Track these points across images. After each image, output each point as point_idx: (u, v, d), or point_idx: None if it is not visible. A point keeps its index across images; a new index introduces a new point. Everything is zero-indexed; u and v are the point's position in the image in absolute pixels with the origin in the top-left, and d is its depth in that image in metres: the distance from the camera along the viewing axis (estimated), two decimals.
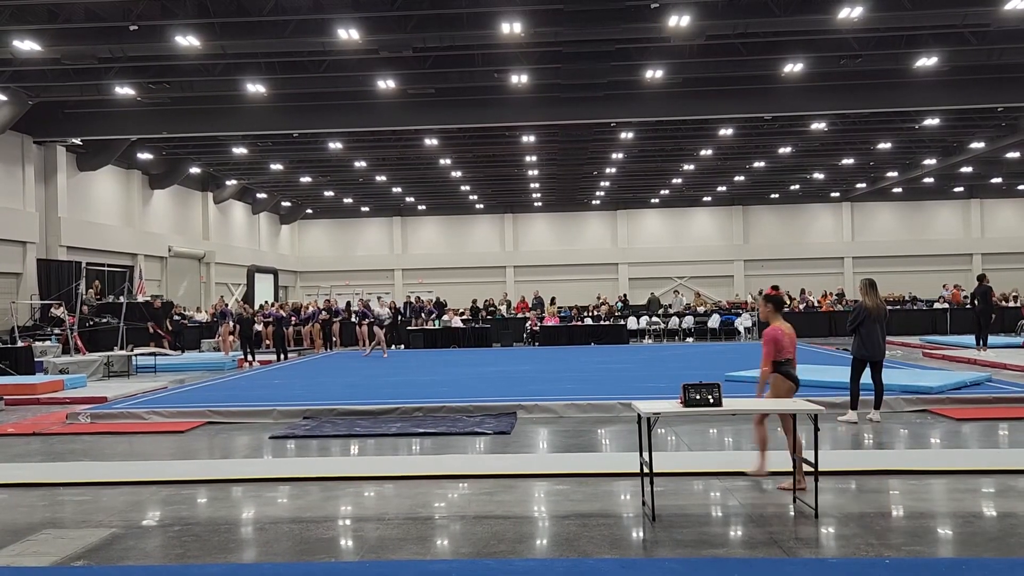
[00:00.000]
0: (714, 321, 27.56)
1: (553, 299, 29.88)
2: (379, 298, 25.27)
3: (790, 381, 6.52)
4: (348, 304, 27.39)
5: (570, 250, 42.10)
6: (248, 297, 30.64)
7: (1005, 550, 5.01)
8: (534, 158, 29.39)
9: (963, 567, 4.69)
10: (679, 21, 15.11)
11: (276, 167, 30.12)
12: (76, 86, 19.48)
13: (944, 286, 31.30)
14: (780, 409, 6.32)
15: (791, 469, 6.16)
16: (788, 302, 27.68)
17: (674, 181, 35.57)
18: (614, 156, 29.29)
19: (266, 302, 27.98)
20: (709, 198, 40.95)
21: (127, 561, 5.16)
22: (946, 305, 28.87)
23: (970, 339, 19.71)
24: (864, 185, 37.74)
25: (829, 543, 5.24)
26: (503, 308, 30.18)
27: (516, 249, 42.62)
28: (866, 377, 9.72)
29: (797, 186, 37.97)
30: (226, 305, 24.98)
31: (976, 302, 17.77)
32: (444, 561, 5.05)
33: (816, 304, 29.60)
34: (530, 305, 29.48)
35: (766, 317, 6.77)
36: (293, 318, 24.64)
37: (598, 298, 32.03)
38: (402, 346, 25.18)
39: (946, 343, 20.91)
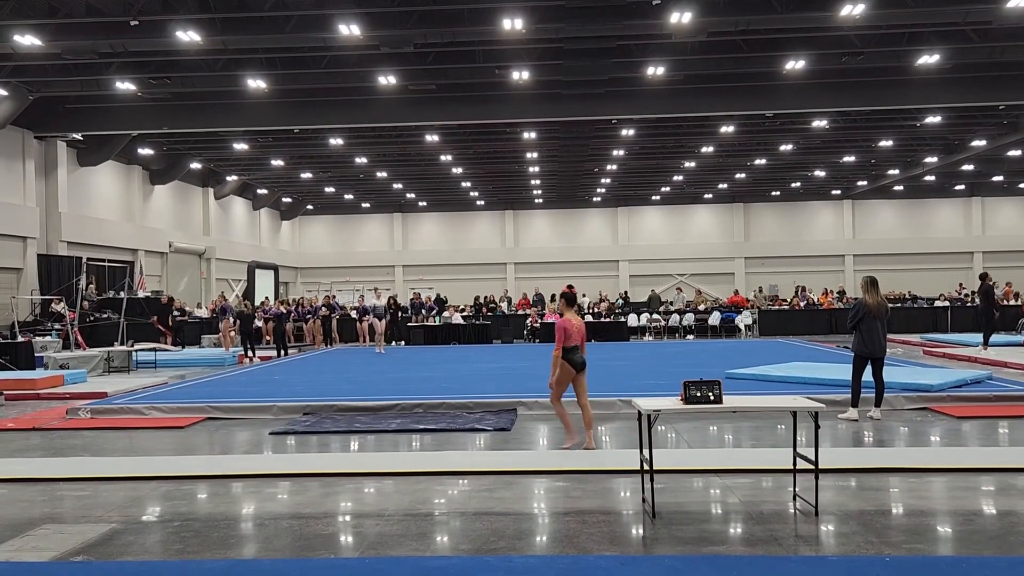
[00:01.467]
0: (714, 318, 27.54)
1: (554, 296, 29.86)
2: (375, 290, 25.22)
3: (571, 366, 7.91)
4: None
5: (571, 247, 42.07)
6: (249, 293, 30.63)
7: (1005, 548, 5.01)
8: (535, 155, 29.37)
9: (963, 565, 4.68)
10: (680, 18, 15.09)
11: (277, 163, 30.11)
12: (77, 81, 19.47)
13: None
14: (782, 407, 6.32)
15: (791, 467, 6.15)
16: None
17: (675, 178, 35.55)
18: (615, 153, 29.28)
19: (266, 298, 27.99)
20: (710, 195, 40.92)
21: (126, 556, 5.15)
22: (947, 304, 28.84)
23: (970, 337, 19.74)
24: (865, 183, 37.71)
25: (829, 541, 5.24)
26: (504, 305, 30.19)
27: (517, 246, 42.60)
28: (867, 375, 9.71)
29: (798, 184, 37.94)
30: (226, 301, 24.99)
31: (978, 301, 17.76)
32: (444, 557, 5.04)
33: (816, 302, 29.60)
34: (531, 302, 29.49)
35: (561, 310, 8.31)
36: (292, 314, 24.65)
37: (584, 296, 31.81)
38: (402, 342, 25.19)
39: (947, 341, 20.90)
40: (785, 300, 31.35)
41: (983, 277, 17.66)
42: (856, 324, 9.60)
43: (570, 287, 8.58)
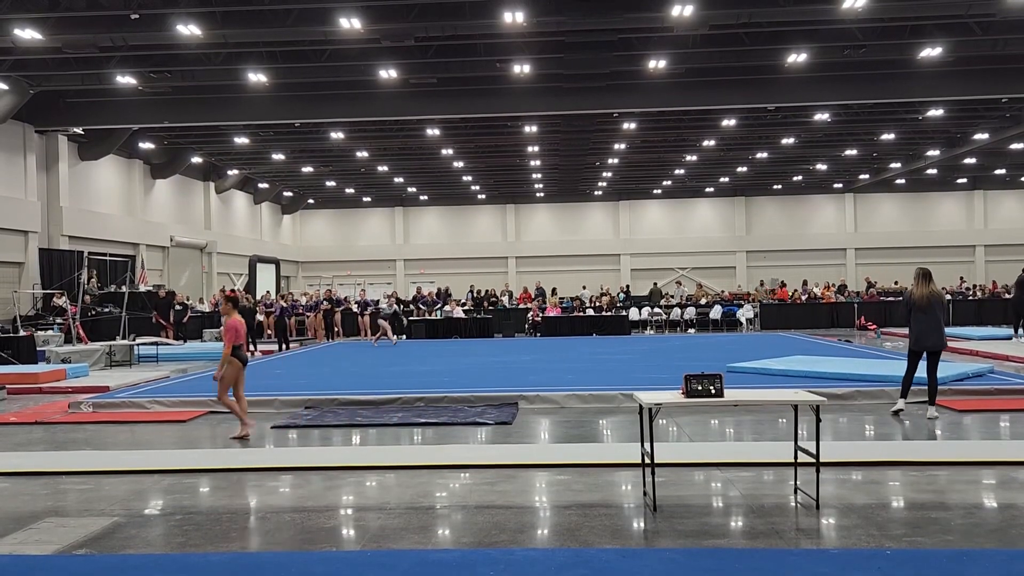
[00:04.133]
0: (716, 312, 27.55)
1: (554, 289, 29.89)
2: (388, 296, 25.48)
3: (239, 361, 8.84)
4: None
5: (572, 241, 42.05)
6: (250, 287, 30.65)
7: (1006, 541, 5.01)
8: (536, 148, 29.33)
9: (964, 558, 4.69)
10: (682, 11, 15.03)
11: (278, 157, 30.09)
12: (77, 75, 19.44)
13: None
14: (783, 400, 6.33)
15: (792, 460, 6.15)
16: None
17: (676, 172, 35.49)
18: (616, 147, 29.22)
19: (267, 292, 28.00)
20: (711, 189, 40.85)
21: (129, 550, 5.17)
22: (948, 297, 28.81)
23: (971, 330, 19.70)
24: (867, 176, 37.64)
25: (830, 534, 5.25)
26: (505, 299, 30.19)
27: (518, 240, 42.58)
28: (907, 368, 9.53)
29: (800, 177, 37.87)
30: None
31: (1013, 291, 17.83)
32: (445, 550, 5.06)
33: (818, 295, 29.59)
34: (532, 296, 29.49)
35: (226, 313, 9.05)
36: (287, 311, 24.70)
37: (585, 289, 31.73)
38: (403, 336, 25.22)
39: (949, 335, 20.86)
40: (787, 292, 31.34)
41: None
42: (908, 317, 9.41)
43: (233, 290, 9.85)
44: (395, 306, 23.74)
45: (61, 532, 5.51)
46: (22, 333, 17.43)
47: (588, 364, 14.78)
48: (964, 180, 39.65)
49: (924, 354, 9.33)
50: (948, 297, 28.65)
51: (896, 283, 33.84)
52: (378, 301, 24.27)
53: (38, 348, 17.16)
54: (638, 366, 14.51)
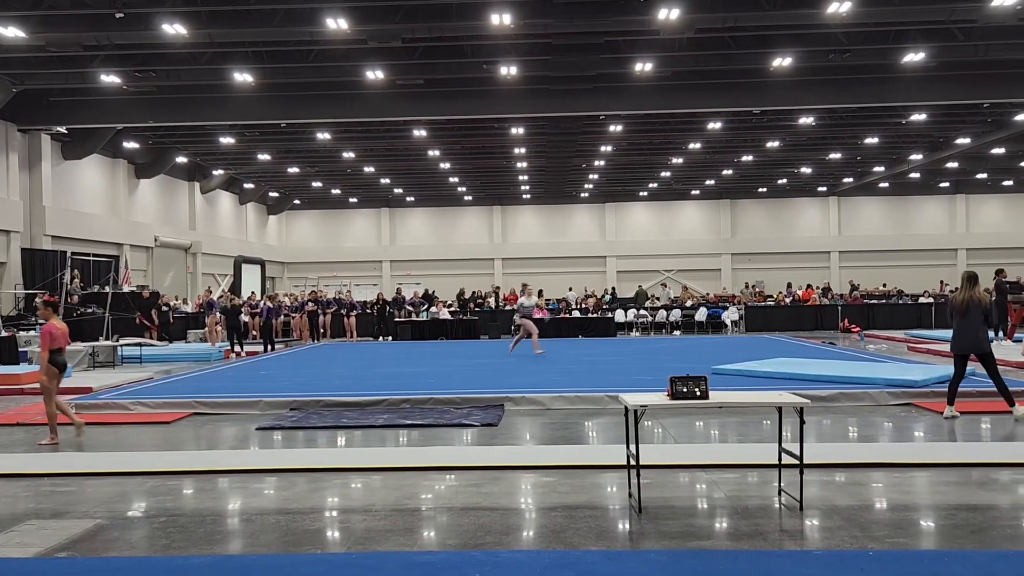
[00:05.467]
0: (701, 314, 27.65)
1: (540, 291, 29.85)
2: (525, 286, 23.40)
3: (55, 366, 8.91)
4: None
5: (558, 242, 42.13)
6: (235, 288, 30.50)
7: (987, 542, 5.06)
8: (523, 150, 29.37)
9: (946, 559, 4.73)
10: (668, 14, 15.11)
11: (263, 157, 29.97)
12: (61, 74, 19.29)
13: None
14: (767, 402, 6.37)
15: (776, 462, 6.19)
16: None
17: (662, 174, 35.63)
18: (603, 149, 29.31)
19: (253, 293, 27.87)
20: (697, 192, 41.05)
21: (112, 552, 5.13)
22: (931, 300, 29.06)
23: (951, 333, 19.73)
24: (851, 180, 37.93)
25: (814, 535, 5.28)
26: (491, 300, 30.18)
27: (504, 241, 42.61)
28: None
29: (784, 180, 38.12)
30: (212, 296, 24.88)
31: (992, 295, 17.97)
32: (431, 552, 5.05)
33: (800, 298, 29.76)
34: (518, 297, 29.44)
35: (44, 317, 9.17)
36: (283, 307, 24.56)
37: (571, 291, 31.74)
38: (390, 338, 25.17)
39: (930, 337, 21.03)
40: (771, 296, 31.53)
41: (998, 273, 17.90)
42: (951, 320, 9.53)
43: (51, 294, 9.44)
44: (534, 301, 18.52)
45: (43, 535, 5.46)
46: (4, 334, 17.26)
47: (574, 366, 14.79)
48: (946, 184, 40.03)
49: (965, 359, 9.43)
50: (931, 300, 28.85)
51: (884, 285, 34.21)
52: (521, 300, 18.91)
53: (20, 349, 16.98)
54: (624, 368, 14.53)
